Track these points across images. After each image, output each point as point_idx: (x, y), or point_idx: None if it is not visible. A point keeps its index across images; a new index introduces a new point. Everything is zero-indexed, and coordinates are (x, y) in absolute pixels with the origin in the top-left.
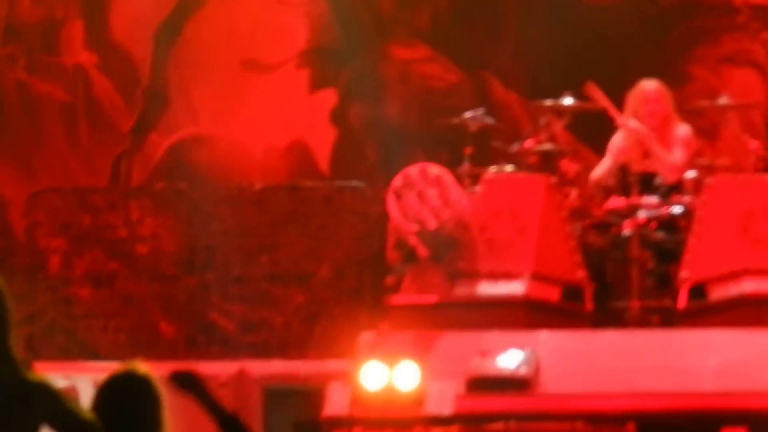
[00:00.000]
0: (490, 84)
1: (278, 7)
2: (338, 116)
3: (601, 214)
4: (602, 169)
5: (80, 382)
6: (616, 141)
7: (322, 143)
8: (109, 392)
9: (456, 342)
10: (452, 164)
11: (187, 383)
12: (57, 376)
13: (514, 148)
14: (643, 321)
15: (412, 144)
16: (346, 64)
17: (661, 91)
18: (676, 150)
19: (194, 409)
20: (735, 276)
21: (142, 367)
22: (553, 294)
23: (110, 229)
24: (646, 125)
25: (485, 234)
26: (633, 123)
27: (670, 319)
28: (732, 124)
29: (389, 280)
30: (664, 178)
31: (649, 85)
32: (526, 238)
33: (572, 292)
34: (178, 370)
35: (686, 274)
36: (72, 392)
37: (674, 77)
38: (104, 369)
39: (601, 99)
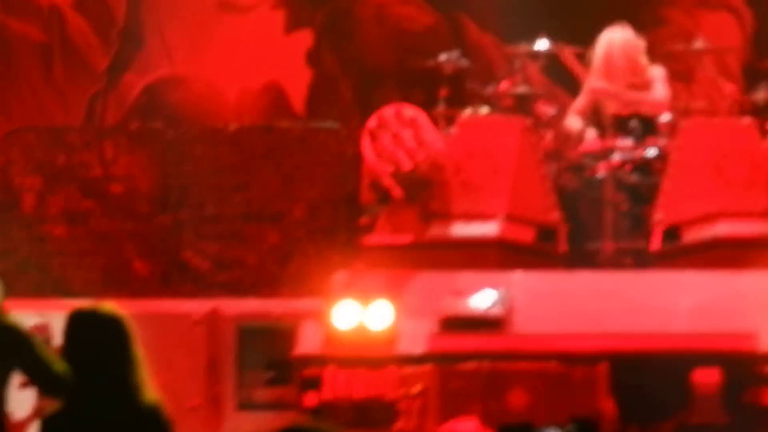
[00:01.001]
0: (465, 26)
1: None
2: (313, 57)
3: (576, 156)
4: (578, 108)
5: (54, 320)
6: (591, 82)
7: (298, 84)
8: (74, 329)
9: (430, 282)
10: (427, 106)
11: None
12: (30, 313)
13: (489, 90)
14: (617, 262)
15: (387, 85)
16: (321, 5)
17: (627, 39)
18: (656, 86)
19: (171, 346)
20: (709, 218)
21: (108, 305)
22: (527, 235)
23: (85, 168)
24: (619, 65)
25: (460, 175)
26: (601, 84)
27: (643, 260)
28: (707, 67)
29: (363, 220)
30: (644, 115)
31: (614, 35)
32: (500, 179)
33: (546, 233)
34: None
35: (660, 216)
36: (44, 329)
37: (649, 20)
38: (77, 306)
39: (573, 65)
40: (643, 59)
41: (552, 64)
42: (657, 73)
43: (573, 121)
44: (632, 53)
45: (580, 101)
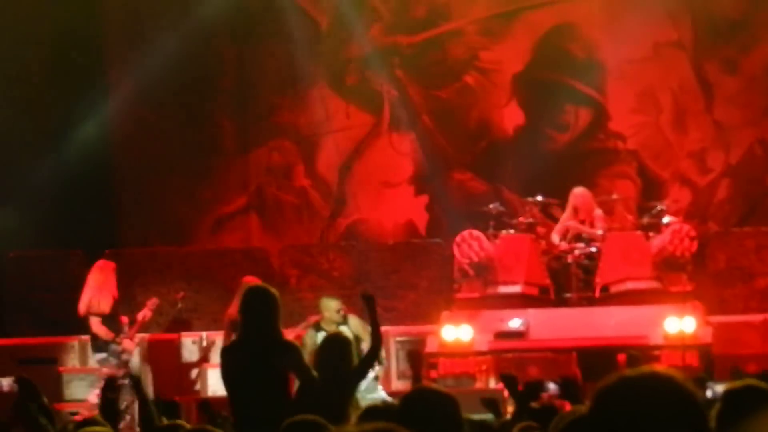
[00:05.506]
0: (501, 190)
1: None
2: (429, 208)
3: (557, 251)
4: (558, 230)
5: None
6: (564, 217)
7: (422, 221)
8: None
9: (488, 315)
10: (484, 230)
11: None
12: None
13: (514, 221)
14: (578, 303)
15: (465, 222)
16: (430, 183)
17: (585, 193)
18: (597, 223)
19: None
20: (622, 281)
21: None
22: (534, 291)
23: (319, 264)
24: (580, 209)
25: (501, 263)
26: (572, 224)
27: (591, 302)
28: (618, 206)
29: (456, 286)
30: (589, 234)
31: (578, 190)
32: (520, 264)
33: (543, 290)
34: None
35: (599, 280)
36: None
37: (592, 186)
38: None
39: (555, 209)
40: (592, 205)
41: (545, 207)
42: (598, 213)
43: (554, 237)
44: (587, 202)
45: (558, 227)
